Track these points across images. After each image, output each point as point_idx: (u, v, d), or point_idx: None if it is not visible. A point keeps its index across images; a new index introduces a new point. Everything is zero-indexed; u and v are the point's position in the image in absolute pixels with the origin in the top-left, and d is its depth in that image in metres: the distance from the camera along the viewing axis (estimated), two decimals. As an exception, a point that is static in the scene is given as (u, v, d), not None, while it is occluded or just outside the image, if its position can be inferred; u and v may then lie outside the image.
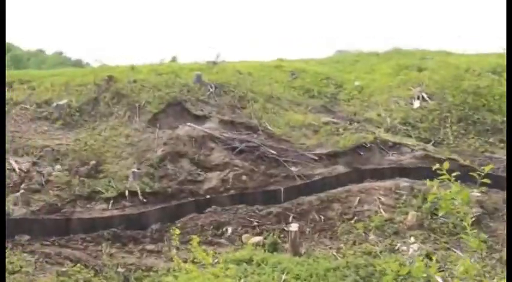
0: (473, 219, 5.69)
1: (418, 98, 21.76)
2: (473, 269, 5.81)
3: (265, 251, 13.91)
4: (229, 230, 15.30)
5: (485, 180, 5.26)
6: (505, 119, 20.45)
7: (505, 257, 12.88)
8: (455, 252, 14.18)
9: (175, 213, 15.70)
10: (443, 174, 5.23)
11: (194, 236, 5.91)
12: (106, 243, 14.38)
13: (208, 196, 16.47)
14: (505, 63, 23.94)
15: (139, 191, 16.00)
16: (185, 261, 9.64)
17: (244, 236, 15.02)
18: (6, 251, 13.39)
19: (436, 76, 23.13)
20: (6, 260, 13.05)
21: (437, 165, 5.23)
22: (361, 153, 18.44)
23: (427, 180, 5.42)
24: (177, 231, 7.26)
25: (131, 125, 18.75)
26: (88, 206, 15.61)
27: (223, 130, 18.69)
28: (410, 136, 19.82)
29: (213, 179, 17.00)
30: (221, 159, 17.55)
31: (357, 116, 21.24)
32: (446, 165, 5.22)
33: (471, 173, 5.26)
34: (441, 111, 21.00)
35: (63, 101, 19.58)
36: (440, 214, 6.75)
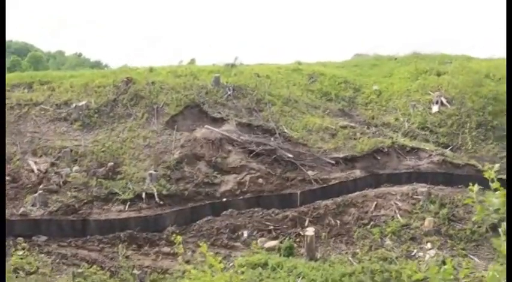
0: (492, 225, 5.66)
1: (437, 103, 21.62)
2: (502, 274, 5.74)
3: (280, 255, 13.88)
4: (245, 233, 15.29)
5: None
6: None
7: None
8: (472, 258, 14.05)
9: (192, 216, 15.73)
10: (467, 180, 5.18)
11: (202, 243, 5.88)
12: (122, 244, 14.44)
13: (224, 199, 16.48)
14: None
15: (156, 193, 16.05)
16: (201, 264, 9.62)
17: (260, 240, 14.99)
18: (23, 251, 13.51)
19: (456, 81, 22.96)
20: (24, 260, 13.16)
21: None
22: (379, 158, 18.36)
23: (469, 185, 5.38)
24: (179, 238, 7.22)
25: (149, 127, 18.83)
26: (105, 207, 15.69)
27: (241, 133, 18.69)
28: (428, 141, 19.71)
29: (229, 181, 17.01)
30: (238, 162, 17.55)
31: (375, 120, 21.15)
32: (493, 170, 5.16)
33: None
34: (460, 116, 20.86)
35: (82, 102, 19.71)
36: (473, 219, 6.71)
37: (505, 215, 4.93)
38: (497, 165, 4.99)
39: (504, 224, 5.09)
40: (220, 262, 5.59)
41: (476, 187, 5.10)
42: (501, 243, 5.26)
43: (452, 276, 4.73)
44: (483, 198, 4.91)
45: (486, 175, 4.89)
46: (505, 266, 5.78)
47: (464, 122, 20.54)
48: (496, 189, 4.98)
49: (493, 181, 4.93)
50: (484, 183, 5.67)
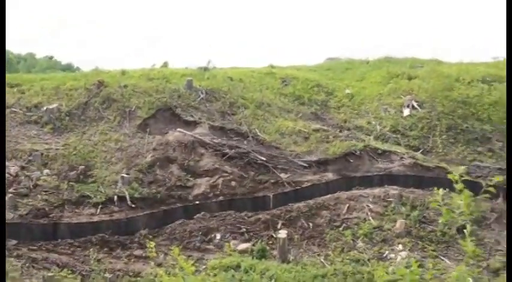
0: (462, 227, 5.73)
1: (408, 106, 21.86)
2: (468, 275, 5.83)
3: (253, 257, 13.87)
4: (218, 236, 15.27)
5: (491, 190, 5.31)
6: (493, 128, 20.59)
7: (492, 266, 12.94)
8: (443, 260, 14.22)
9: (164, 219, 15.66)
10: (438, 183, 5.28)
11: (174, 247, 5.86)
12: (94, 248, 14.31)
13: (197, 202, 16.44)
14: (494, 72, 24.13)
15: (128, 196, 15.95)
16: (173, 267, 9.60)
17: (232, 242, 14.98)
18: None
19: (426, 85, 23.24)
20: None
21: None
22: (351, 161, 18.48)
23: (437, 189, 5.46)
24: (152, 244, 7.20)
25: (121, 130, 18.71)
26: (76, 210, 15.54)
27: (213, 136, 18.67)
28: (399, 144, 19.90)
29: (202, 184, 16.97)
30: (211, 165, 17.53)
31: (347, 124, 21.30)
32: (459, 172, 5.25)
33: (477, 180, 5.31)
34: (431, 119, 21.11)
35: (53, 105, 19.49)
36: (440, 221, 6.80)
37: (469, 217, 5.01)
38: (462, 168, 5.07)
39: (469, 226, 5.18)
40: (192, 265, 5.57)
41: (441, 191, 5.19)
42: (467, 244, 5.34)
43: (419, 277, 4.79)
44: (448, 201, 4.99)
45: (451, 177, 4.96)
46: (471, 266, 5.87)
47: (434, 125, 20.79)
48: (461, 191, 5.06)
49: (457, 183, 5.01)
50: (453, 186, 5.76)
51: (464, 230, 5.55)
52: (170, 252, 12.50)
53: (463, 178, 4.95)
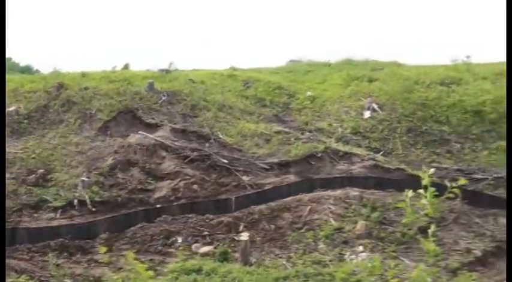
0: (421, 228, 5.83)
1: (369, 109, 22.09)
2: (427, 275, 5.93)
3: (215, 260, 13.82)
4: (180, 239, 15.20)
5: (455, 191, 5.43)
6: (452, 130, 20.96)
7: (451, 265, 13.14)
8: (403, 260, 14.37)
9: (125, 223, 15.51)
10: (394, 184, 5.39)
11: (129, 252, 5.84)
12: (53, 253, 14.11)
13: (158, 205, 16.34)
14: (453, 74, 24.57)
15: (88, 200, 15.78)
16: (132, 272, 9.50)
17: (194, 246, 14.92)
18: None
19: (387, 87, 23.53)
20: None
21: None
22: (312, 163, 18.58)
23: (402, 189, 5.56)
24: (103, 250, 7.18)
25: (81, 133, 18.52)
26: (35, 215, 15.31)
27: (175, 138, 18.60)
28: (360, 146, 20.08)
29: (163, 188, 16.89)
30: (172, 168, 17.45)
31: (309, 126, 21.42)
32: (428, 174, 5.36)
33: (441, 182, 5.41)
34: (391, 121, 21.36)
35: (11, 108, 19.20)
36: (403, 221, 6.92)
37: (433, 217, 5.12)
38: (432, 170, 5.19)
39: (433, 226, 5.30)
40: (152, 269, 5.56)
41: (410, 193, 5.31)
42: (429, 243, 5.45)
43: (376, 278, 4.87)
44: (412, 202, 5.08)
45: (423, 176, 5.06)
46: (431, 266, 5.97)
47: (394, 127, 21.05)
48: (427, 192, 5.17)
49: (425, 184, 5.12)
50: (413, 187, 5.86)
51: (426, 230, 5.64)
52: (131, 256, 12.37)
53: (428, 179, 5.05)
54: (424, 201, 5.35)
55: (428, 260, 5.89)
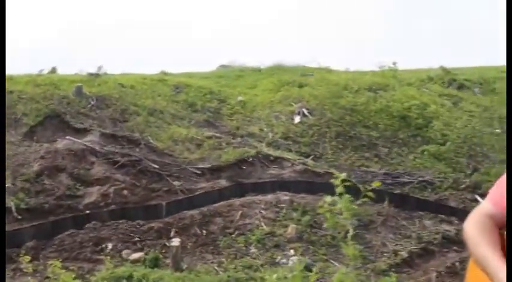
0: (351, 231, 5.94)
1: (299, 114, 22.37)
2: (349, 278, 6.06)
3: (146, 266, 13.69)
4: (109, 246, 14.95)
5: (369, 194, 5.58)
6: (379, 135, 21.49)
7: (379, 267, 13.47)
8: (332, 263, 14.60)
9: (53, 230, 15.13)
10: (325, 188, 5.50)
11: (55, 261, 5.73)
12: (-24, 262, 13.63)
13: (87, 211, 16.02)
14: (380, 80, 25.21)
15: (13, 207, 15.32)
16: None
17: (124, 252, 14.72)
18: None
19: (316, 92, 23.90)
20: None
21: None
22: (243, 168, 18.65)
23: (323, 195, 5.64)
24: (27, 259, 7.04)
25: (6, 138, 17.96)
26: (-43, 223, 14.76)
27: (104, 144, 18.31)
28: (291, 150, 20.30)
29: (93, 193, 16.58)
30: (102, 173, 17.15)
31: (240, 131, 21.50)
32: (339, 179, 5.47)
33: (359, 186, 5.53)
34: (320, 126, 21.70)
35: None
36: (324, 226, 7.06)
37: (350, 221, 5.26)
38: (343, 174, 5.33)
39: (352, 229, 5.43)
40: (81, 277, 5.46)
41: (329, 197, 5.43)
42: (349, 248, 5.58)
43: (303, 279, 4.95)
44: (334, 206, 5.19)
45: (335, 182, 5.18)
46: (354, 269, 6.11)
47: (324, 132, 21.39)
48: (341, 196, 5.30)
49: (340, 190, 5.25)
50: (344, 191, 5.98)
51: (356, 234, 5.79)
52: (58, 264, 12.09)
53: (345, 183, 5.17)
54: (340, 204, 5.49)
55: (355, 263, 6.02)
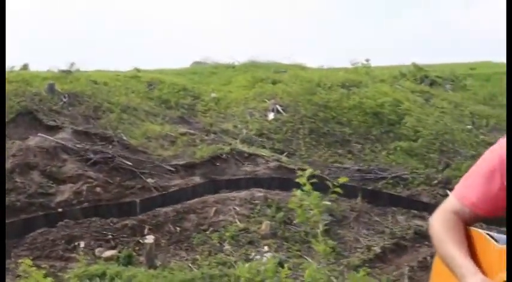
0: (321, 227, 5.97)
1: (273, 110, 22.40)
2: (319, 273, 6.09)
3: (119, 264, 13.63)
4: (82, 244, 14.85)
5: (337, 190, 5.61)
6: (352, 131, 21.62)
7: (352, 263, 13.56)
8: (306, 259, 14.67)
9: (24, 228, 14.99)
10: (299, 184, 5.48)
11: (25, 259, 5.68)
12: None
13: (60, 209, 15.88)
14: (353, 77, 25.36)
15: (-16, 206, 15.14)
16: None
17: (97, 250, 14.64)
18: None
19: (290, 89, 23.95)
20: None
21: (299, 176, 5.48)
22: (218, 164, 18.63)
23: (294, 190, 5.64)
24: None
25: (-24, 136, 17.75)
26: None
27: (77, 141, 18.15)
28: (265, 147, 20.32)
29: (65, 191, 16.43)
30: (74, 171, 17.01)
31: (214, 127, 21.46)
32: (306, 174, 5.49)
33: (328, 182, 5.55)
34: (294, 123, 21.75)
35: None
36: (295, 221, 7.08)
37: (319, 217, 5.29)
38: (309, 170, 5.35)
39: (321, 225, 5.47)
40: (53, 275, 5.43)
41: (299, 192, 5.44)
42: (319, 245, 5.61)
43: (275, 277, 4.98)
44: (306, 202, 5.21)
45: (299, 180, 5.20)
46: (325, 264, 6.15)
47: (298, 128, 21.45)
48: (309, 193, 5.32)
49: (305, 185, 5.26)
50: (316, 186, 6.01)
51: (329, 230, 5.82)
52: (30, 263, 11.98)
53: (312, 180, 5.20)
54: (306, 201, 5.51)
55: (328, 259, 6.06)
